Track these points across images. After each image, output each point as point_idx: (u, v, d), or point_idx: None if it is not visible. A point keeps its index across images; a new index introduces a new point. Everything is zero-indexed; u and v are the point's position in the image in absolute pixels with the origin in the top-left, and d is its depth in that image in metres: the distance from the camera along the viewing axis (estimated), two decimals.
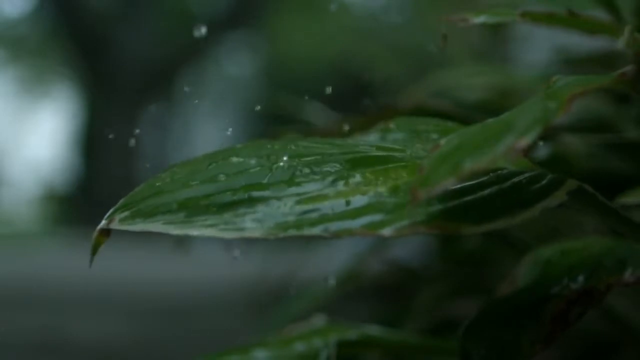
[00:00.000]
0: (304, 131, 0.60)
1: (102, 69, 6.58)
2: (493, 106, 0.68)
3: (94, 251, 0.35)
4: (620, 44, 0.39)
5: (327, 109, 0.74)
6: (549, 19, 0.45)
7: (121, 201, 0.36)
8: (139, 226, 0.35)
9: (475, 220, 0.33)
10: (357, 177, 0.36)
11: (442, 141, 0.34)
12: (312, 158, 0.37)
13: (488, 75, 0.77)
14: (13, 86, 9.18)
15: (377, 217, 0.33)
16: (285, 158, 0.37)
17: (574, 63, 0.73)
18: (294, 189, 0.35)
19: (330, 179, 0.36)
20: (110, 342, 1.44)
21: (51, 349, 1.38)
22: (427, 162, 0.32)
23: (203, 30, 0.59)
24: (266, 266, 1.09)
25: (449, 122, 0.44)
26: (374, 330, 0.52)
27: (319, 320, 0.52)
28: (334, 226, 0.33)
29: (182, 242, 0.73)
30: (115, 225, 0.35)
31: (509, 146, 0.31)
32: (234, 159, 0.37)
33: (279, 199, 0.34)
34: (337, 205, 0.34)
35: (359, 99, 0.75)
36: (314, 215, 0.34)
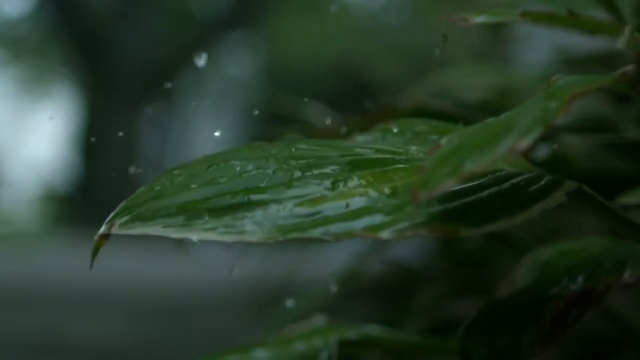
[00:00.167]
0: (304, 131, 0.60)
1: (102, 69, 6.58)
2: (493, 106, 0.68)
3: (94, 254, 0.36)
4: (621, 44, 0.39)
5: (327, 109, 0.74)
6: (549, 19, 0.45)
7: (121, 205, 0.36)
8: (139, 230, 0.35)
9: (475, 222, 0.33)
10: (357, 179, 0.36)
11: (442, 141, 0.34)
12: (311, 160, 0.37)
13: (488, 75, 0.77)
14: (13, 86, 9.18)
15: (376, 219, 0.33)
16: (284, 160, 0.37)
17: (574, 63, 0.73)
18: (293, 192, 0.35)
19: (329, 181, 0.36)
20: (110, 342, 1.44)
21: (51, 349, 1.38)
22: (427, 163, 0.32)
23: (203, 59, 0.59)
24: (266, 266, 1.09)
25: (449, 124, 0.44)
26: (374, 330, 0.52)
27: (319, 320, 0.52)
28: (334, 228, 0.33)
29: (182, 242, 0.73)
30: (115, 230, 0.35)
31: (509, 147, 0.31)
32: (233, 162, 0.37)
33: (278, 201, 0.34)
34: (336, 207, 0.34)
35: (359, 99, 0.75)
36: (314, 217, 0.34)
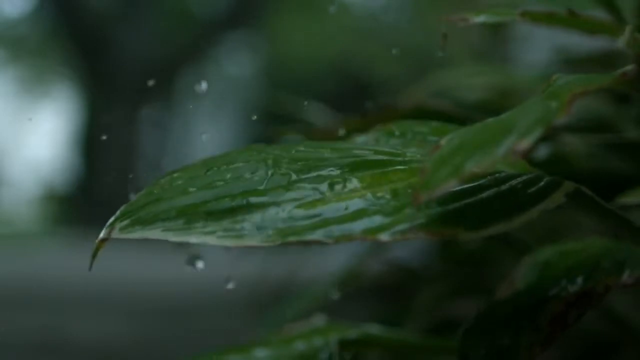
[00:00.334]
0: (304, 132, 0.60)
1: (102, 69, 6.58)
2: (493, 106, 0.68)
3: (94, 257, 0.36)
4: (621, 44, 0.39)
5: (327, 109, 0.74)
6: (549, 19, 0.45)
7: (121, 209, 0.36)
8: (139, 234, 0.35)
9: (474, 226, 0.33)
10: (356, 181, 0.36)
11: (442, 141, 0.34)
12: (310, 162, 0.37)
13: (488, 75, 0.77)
14: (13, 86, 9.17)
15: (376, 221, 0.33)
16: (283, 163, 0.37)
17: (574, 63, 0.72)
18: (292, 194, 0.35)
19: (328, 183, 0.35)
20: (110, 342, 1.44)
21: (51, 349, 1.38)
22: (427, 164, 0.32)
23: (204, 86, 0.59)
24: (266, 266, 1.09)
25: (449, 124, 0.44)
26: (374, 329, 0.52)
27: (319, 320, 0.52)
28: (334, 231, 0.33)
29: (182, 242, 0.72)
30: (115, 234, 0.35)
31: (510, 147, 0.31)
32: (232, 165, 0.37)
33: (277, 204, 0.34)
34: (336, 209, 0.34)
35: (359, 99, 0.75)
36: (313, 220, 0.33)
